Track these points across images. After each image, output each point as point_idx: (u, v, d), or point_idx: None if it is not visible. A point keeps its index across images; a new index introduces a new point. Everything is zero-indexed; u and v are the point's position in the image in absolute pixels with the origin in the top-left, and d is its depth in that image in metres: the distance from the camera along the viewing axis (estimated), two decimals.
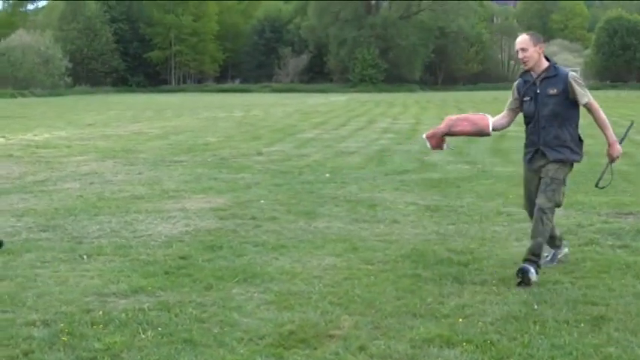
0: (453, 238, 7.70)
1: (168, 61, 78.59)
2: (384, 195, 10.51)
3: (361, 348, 4.58)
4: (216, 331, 4.88)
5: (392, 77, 72.83)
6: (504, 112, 6.55)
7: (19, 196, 10.57)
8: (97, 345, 4.64)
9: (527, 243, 6.32)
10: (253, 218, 8.77)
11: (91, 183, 11.85)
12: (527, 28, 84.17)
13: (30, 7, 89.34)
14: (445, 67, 79.31)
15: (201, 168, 13.70)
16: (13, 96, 55.91)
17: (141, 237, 7.81)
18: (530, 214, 6.40)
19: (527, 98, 6.28)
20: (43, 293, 5.75)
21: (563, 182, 6.22)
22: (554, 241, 6.55)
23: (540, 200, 6.13)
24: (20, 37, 65.51)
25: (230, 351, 4.56)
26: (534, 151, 6.32)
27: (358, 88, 69.20)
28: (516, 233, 7.83)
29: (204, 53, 79.11)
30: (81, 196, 10.55)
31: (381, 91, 66.75)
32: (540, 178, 6.24)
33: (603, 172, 6.67)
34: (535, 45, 6.16)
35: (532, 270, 5.91)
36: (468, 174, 12.64)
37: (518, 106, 6.41)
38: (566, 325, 4.93)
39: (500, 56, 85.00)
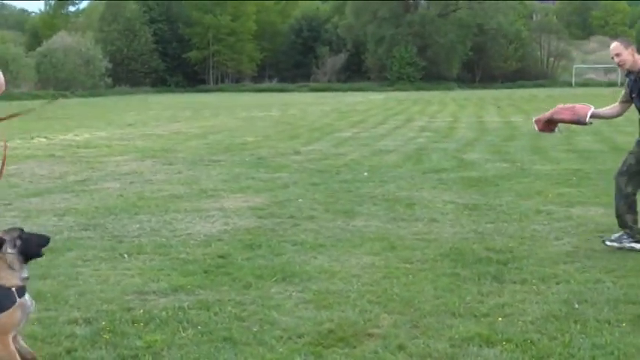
0: (492, 236, 7.65)
1: (206, 61, 78.89)
2: (422, 193, 10.48)
3: (400, 347, 4.58)
4: (255, 330, 4.91)
5: (430, 75, 72.30)
6: (616, 104, 7.20)
7: (60, 195, 10.73)
8: (138, 343, 4.70)
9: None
10: (291, 217, 8.80)
11: (131, 182, 11.99)
12: (567, 25, 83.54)
13: (71, 8, 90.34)
14: (483, 65, 78.47)
15: (239, 167, 13.77)
16: (54, 97, 56.57)
17: (180, 236, 7.88)
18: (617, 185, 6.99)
19: (634, 95, 6.92)
20: (85, 291, 5.83)
21: None
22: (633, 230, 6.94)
23: None
24: (62, 38, 66.13)
25: (269, 349, 4.58)
26: None
27: (396, 87, 68.73)
28: (556, 232, 7.76)
29: (242, 53, 79.27)
30: (121, 195, 10.68)
31: (418, 89, 66.31)
32: None
33: None
34: (627, 48, 6.76)
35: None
36: (507, 172, 12.51)
37: (629, 100, 7.01)
38: (607, 325, 4.89)
39: (539, 53, 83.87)
